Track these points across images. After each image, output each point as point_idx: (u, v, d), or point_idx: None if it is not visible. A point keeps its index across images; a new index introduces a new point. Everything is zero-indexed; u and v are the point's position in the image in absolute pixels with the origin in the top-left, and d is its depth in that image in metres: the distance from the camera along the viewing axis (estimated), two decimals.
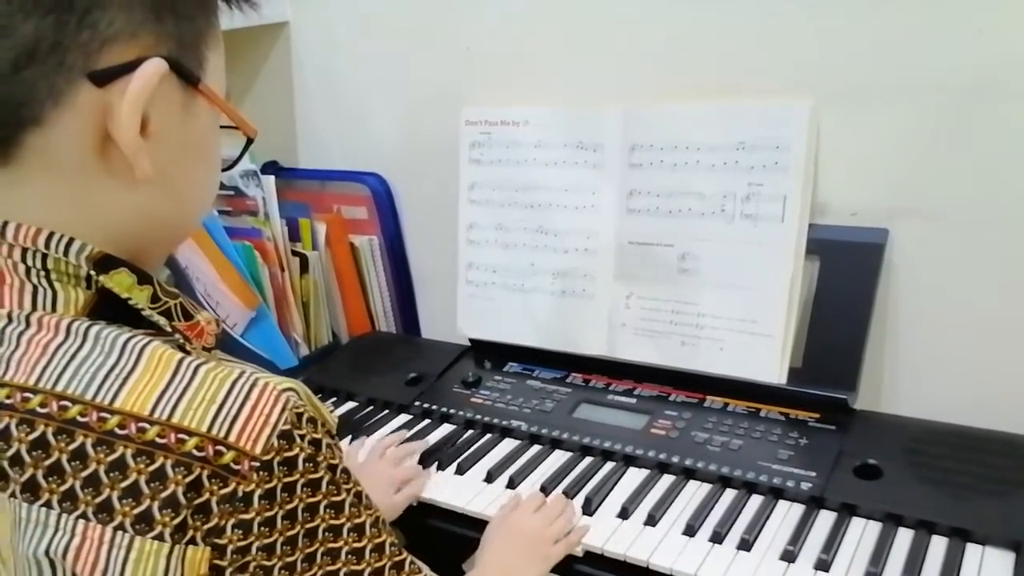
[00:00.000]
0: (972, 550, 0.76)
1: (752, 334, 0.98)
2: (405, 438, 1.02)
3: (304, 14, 1.31)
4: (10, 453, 0.44)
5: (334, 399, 1.16)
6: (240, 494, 0.43)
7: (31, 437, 0.43)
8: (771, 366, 0.97)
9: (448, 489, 0.93)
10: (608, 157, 1.07)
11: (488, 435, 1.03)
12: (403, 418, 1.10)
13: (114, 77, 0.45)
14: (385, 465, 0.94)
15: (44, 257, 0.47)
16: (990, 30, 0.85)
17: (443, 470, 0.97)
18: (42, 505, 0.43)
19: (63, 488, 0.43)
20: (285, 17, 1.31)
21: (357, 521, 0.49)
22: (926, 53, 0.89)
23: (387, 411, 1.12)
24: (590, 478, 0.92)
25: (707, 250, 1.01)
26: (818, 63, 0.94)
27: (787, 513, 0.83)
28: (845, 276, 0.95)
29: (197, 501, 0.43)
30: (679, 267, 1.03)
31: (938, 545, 0.77)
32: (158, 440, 0.43)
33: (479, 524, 0.88)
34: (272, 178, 1.23)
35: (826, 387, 0.95)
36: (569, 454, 0.97)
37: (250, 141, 0.56)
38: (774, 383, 0.97)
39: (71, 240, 0.47)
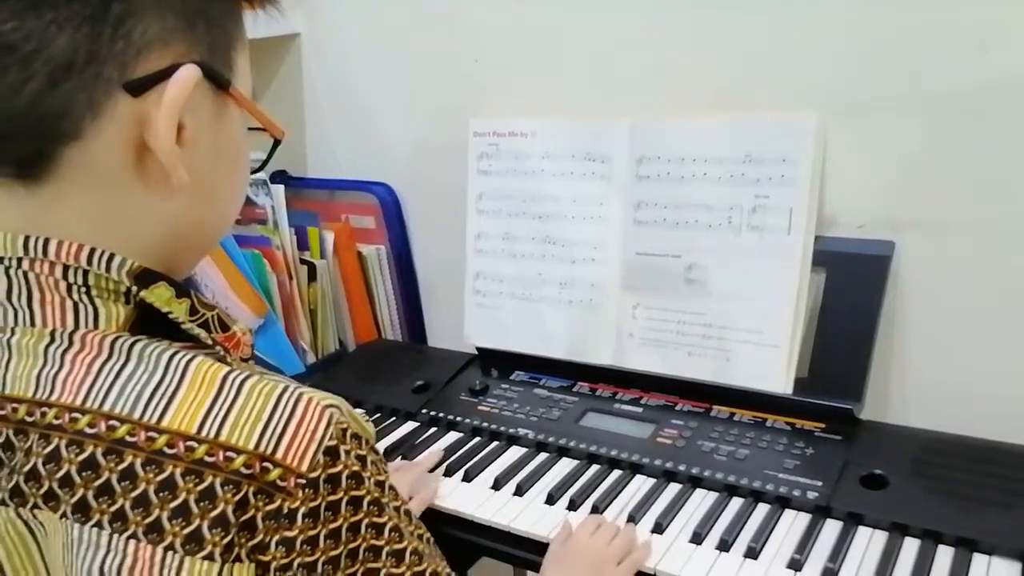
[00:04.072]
0: (979, 560, 0.76)
1: (758, 344, 0.99)
2: (415, 443, 1.03)
3: (316, 26, 1.32)
4: (60, 474, 0.43)
5: None
6: (285, 511, 0.43)
7: (80, 458, 0.43)
8: (777, 376, 0.97)
9: (455, 496, 0.93)
10: (616, 169, 1.08)
11: (495, 443, 1.03)
12: (410, 426, 1.10)
13: (149, 86, 0.45)
14: (397, 474, 0.94)
15: (85, 273, 0.46)
16: (992, 43, 0.86)
17: (450, 477, 0.97)
18: (93, 525, 0.43)
19: (113, 508, 0.43)
20: (297, 29, 1.32)
21: (397, 547, 0.48)
22: (930, 67, 0.90)
23: (394, 419, 1.12)
24: (597, 486, 0.92)
25: (714, 261, 1.02)
26: (824, 77, 0.95)
27: (793, 522, 0.84)
28: (851, 288, 0.96)
29: (243, 518, 0.42)
30: (686, 278, 1.04)
31: (944, 555, 0.77)
32: (207, 458, 0.43)
33: (485, 530, 0.89)
34: (281, 187, 1.24)
35: (832, 397, 0.95)
36: (576, 462, 0.98)
37: (277, 142, 0.56)
38: (780, 393, 0.97)
39: (112, 255, 0.47)
